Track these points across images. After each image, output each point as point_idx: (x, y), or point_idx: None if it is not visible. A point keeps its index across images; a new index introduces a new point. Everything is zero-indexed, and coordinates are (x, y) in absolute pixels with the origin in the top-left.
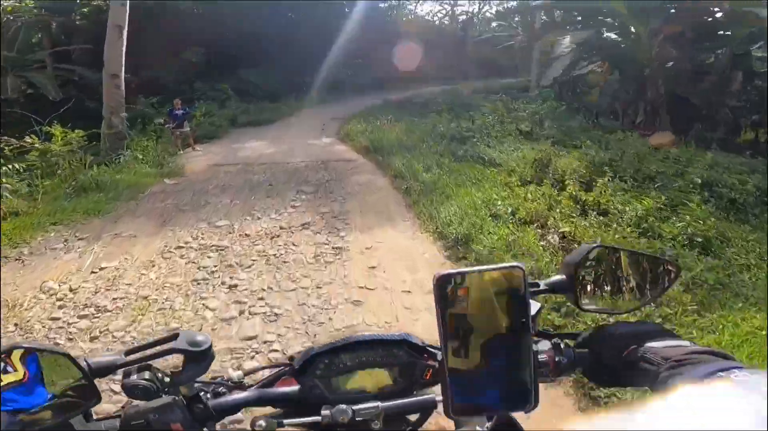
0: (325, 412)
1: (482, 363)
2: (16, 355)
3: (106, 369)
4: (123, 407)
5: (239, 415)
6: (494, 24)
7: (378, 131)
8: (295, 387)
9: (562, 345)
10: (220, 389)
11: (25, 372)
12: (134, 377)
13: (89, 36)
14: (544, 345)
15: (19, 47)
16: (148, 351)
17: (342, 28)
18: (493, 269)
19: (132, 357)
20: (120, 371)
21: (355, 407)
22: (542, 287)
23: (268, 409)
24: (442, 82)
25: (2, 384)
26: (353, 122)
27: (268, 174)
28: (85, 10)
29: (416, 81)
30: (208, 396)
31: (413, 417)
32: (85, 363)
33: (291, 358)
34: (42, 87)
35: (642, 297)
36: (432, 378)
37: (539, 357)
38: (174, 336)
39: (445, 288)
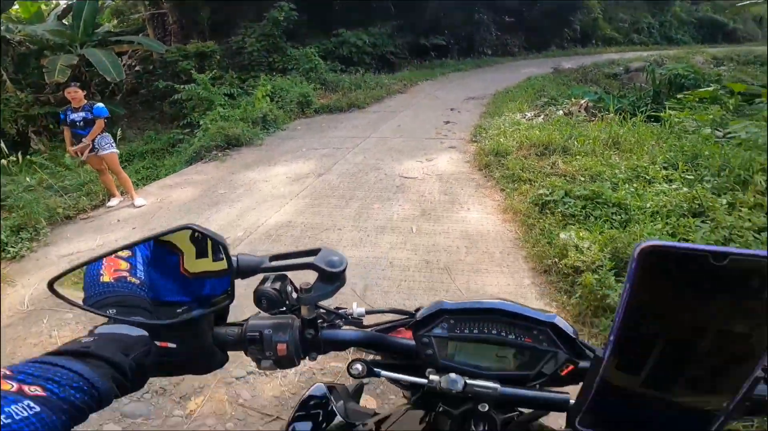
0: (432, 377)
1: (658, 377)
2: (186, 233)
3: (252, 270)
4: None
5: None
6: None
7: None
8: (410, 341)
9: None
10: (336, 321)
11: (192, 249)
12: (267, 284)
13: None
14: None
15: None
16: (288, 261)
17: None
18: (726, 252)
19: (274, 263)
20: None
21: (469, 380)
22: None
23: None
24: (627, 47)
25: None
26: (507, 109)
27: None
28: None
29: (588, 45)
30: (324, 325)
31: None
32: (235, 259)
33: (417, 310)
34: (99, 66)
35: None
36: (569, 376)
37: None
38: (315, 251)
39: (647, 265)
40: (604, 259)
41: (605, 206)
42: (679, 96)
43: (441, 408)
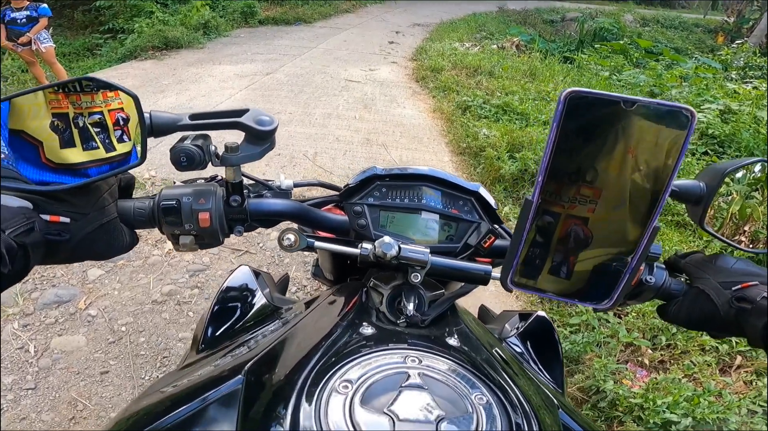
0: (366, 245)
1: (580, 225)
2: (45, 122)
3: (167, 128)
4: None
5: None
6: None
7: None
8: (342, 216)
9: (655, 264)
10: (264, 191)
11: (54, 138)
12: (187, 142)
13: None
14: None
15: None
16: (211, 120)
17: None
18: (635, 99)
19: (195, 122)
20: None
21: (402, 245)
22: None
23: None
24: None
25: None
26: (448, 38)
27: None
28: None
29: None
30: (251, 196)
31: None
32: (148, 115)
33: (346, 186)
34: None
35: None
36: (489, 249)
37: None
38: (242, 111)
39: (570, 108)
40: (503, 143)
41: (512, 113)
42: (596, 45)
43: (372, 283)
